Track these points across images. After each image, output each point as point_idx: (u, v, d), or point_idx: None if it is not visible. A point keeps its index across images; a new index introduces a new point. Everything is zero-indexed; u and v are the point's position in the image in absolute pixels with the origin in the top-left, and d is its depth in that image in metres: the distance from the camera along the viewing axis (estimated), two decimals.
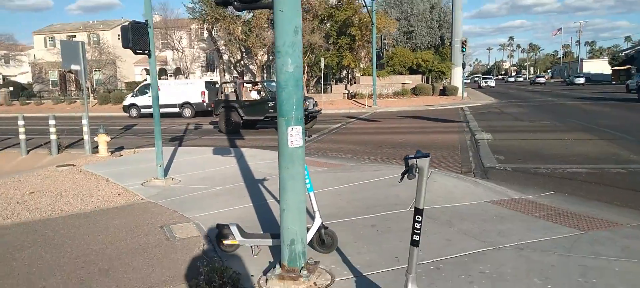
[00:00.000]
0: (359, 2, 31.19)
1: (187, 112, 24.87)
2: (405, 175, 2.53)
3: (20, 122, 12.00)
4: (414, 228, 2.65)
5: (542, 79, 67.01)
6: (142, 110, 25.40)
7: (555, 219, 4.87)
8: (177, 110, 24.70)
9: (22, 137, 12.01)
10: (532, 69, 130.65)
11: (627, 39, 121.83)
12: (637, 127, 12.90)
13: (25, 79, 52.07)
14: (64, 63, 11.24)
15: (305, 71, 32.67)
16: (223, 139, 14.25)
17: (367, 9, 26.54)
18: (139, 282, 3.70)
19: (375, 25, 26.96)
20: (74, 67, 10.98)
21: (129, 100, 26.75)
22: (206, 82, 25.90)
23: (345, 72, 37.51)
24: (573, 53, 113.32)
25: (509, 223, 4.80)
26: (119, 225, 5.29)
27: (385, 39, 30.82)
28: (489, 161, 8.76)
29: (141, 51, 7.23)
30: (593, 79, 65.20)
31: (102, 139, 10.78)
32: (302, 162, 3.50)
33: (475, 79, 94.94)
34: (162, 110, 24.17)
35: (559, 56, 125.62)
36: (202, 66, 42.61)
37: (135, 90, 27.59)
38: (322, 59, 28.49)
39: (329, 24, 33.24)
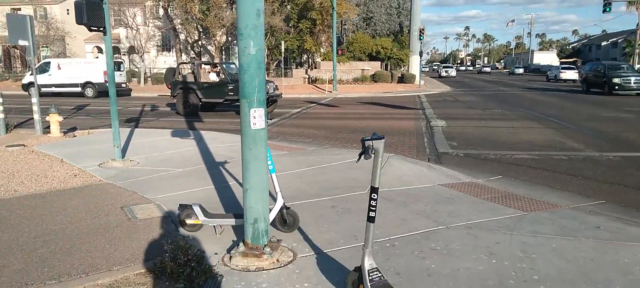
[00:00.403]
0: None
1: (89, 92, 24.71)
2: (362, 156, 2.70)
3: None
4: (370, 205, 2.84)
5: (487, 69, 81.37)
6: (42, 89, 24.06)
7: (501, 201, 5.23)
8: (79, 89, 24.46)
9: None
10: (486, 58, 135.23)
11: (575, 32, 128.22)
12: (579, 117, 13.77)
13: None
14: (11, 38, 10.69)
15: (266, 54, 32.42)
16: (181, 121, 14.05)
17: None
18: (103, 260, 3.72)
19: (335, 10, 27.07)
20: (21, 42, 10.48)
21: (27, 78, 25.22)
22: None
23: (305, 56, 37.51)
24: (525, 44, 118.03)
25: (459, 204, 5.12)
26: (77, 206, 5.22)
27: (345, 24, 31.06)
28: (443, 147, 9.16)
29: (96, 28, 7.03)
30: (543, 70, 68.33)
31: (54, 119, 10.40)
32: (265, 143, 3.61)
33: (435, 67, 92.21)
34: (64, 89, 24.08)
35: (511, 47, 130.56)
36: (157, 45, 41.35)
37: (34, 67, 26.57)
38: (283, 42, 28.36)
39: (289, 7, 33.06)
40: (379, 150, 2.69)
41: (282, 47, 27.20)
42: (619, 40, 62.20)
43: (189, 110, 15.38)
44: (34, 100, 10.83)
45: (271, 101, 15.62)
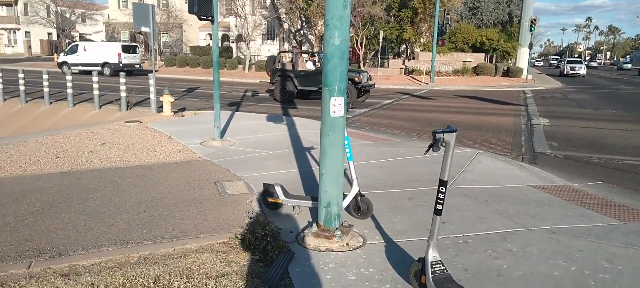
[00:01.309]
0: None
1: (107, 71, 28.90)
2: (431, 148, 2.72)
3: (95, 79, 13.05)
4: (437, 198, 2.85)
5: (594, 63, 76.91)
6: (72, 68, 28.67)
7: (595, 208, 4.84)
8: (99, 68, 27.13)
9: (95, 93, 13.07)
10: (608, 53, 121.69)
11: None
12: None
13: (99, 38, 55.35)
14: (135, 25, 12.01)
15: (363, 44, 32.45)
16: (277, 107, 14.73)
17: None
18: (193, 227, 4.17)
19: None
20: (144, 29, 11.72)
21: (61, 58, 30.88)
22: (123, 45, 30.73)
23: (404, 46, 36.87)
24: None
25: (547, 207, 4.84)
26: (177, 178, 5.83)
27: (448, 14, 29.89)
28: (541, 147, 8.59)
29: (205, 17, 7.67)
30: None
31: (167, 100, 11.54)
32: (343, 131, 3.76)
33: (553, 61, 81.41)
34: (87, 68, 27.19)
35: None
36: (263, 34, 43.37)
37: (66, 49, 32.35)
38: (381, 32, 28.16)
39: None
40: (450, 144, 2.70)
41: (381, 37, 27.04)
42: None
43: (286, 97, 16.04)
44: (151, 82, 12.09)
45: (364, 91, 15.73)
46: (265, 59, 37.42)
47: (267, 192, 4.60)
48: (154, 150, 7.50)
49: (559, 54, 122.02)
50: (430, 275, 2.83)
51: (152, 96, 12.15)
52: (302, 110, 13.71)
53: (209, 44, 48.73)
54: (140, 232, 4.06)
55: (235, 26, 43.16)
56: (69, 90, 13.43)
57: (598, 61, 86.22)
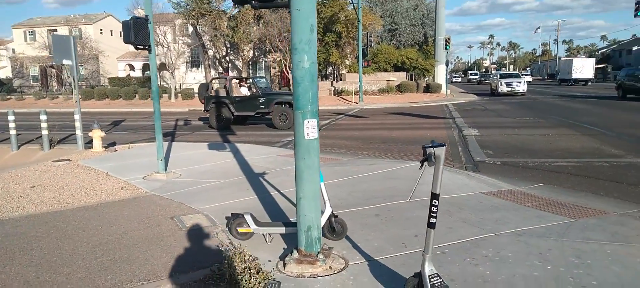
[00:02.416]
0: (345, 0, 31.43)
1: None
2: (425, 163, 2.76)
3: (11, 118, 11.91)
4: (431, 211, 2.89)
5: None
6: None
7: (546, 208, 5.19)
8: None
9: (12, 132, 11.92)
10: (512, 66, 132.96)
11: (603, 38, 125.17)
12: (615, 123, 13.45)
13: (3, 73, 50.91)
14: (56, 58, 11.19)
15: (291, 68, 32.82)
16: (215, 134, 14.35)
17: (353, 6, 26.75)
18: (162, 268, 3.87)
19: (361, 22, 27.23)
20: (65, 61, 10.95)
21: None
22: None
23: (330, 68, 37.74)
24: (551, 51, 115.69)
25: (504, 212, 5.10)
26: (129, 217, 5.43)
27: (371, 36, 31.14)
28: (478, 155, 9.10)
29: (142, 46, 7.34)
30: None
31: (97, 135, 10.80)
32: (317, 153, 3.72)
33: (473, 77, 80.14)
34: None
35: (537, 54, 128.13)
36: (186, 62, 42.33)
37: None
38: None
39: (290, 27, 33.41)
40: (440, 157, 2.75)
41: None
42: None
43: (222, 124, 15.70)
44: (77, 116, 11.26)
45: None
46: (191, 87, 36.52)
47: (236, 222, 4.41)
48: (93, 190, 6.94)
49: (468, 69, 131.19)
50: None
51: (79, 132, 11.31)
52: (243, 136, 13.46)
53: (129, 75, 46.63)
54: (103, 278, 3.69)
55: (157, 55, 41.76)
56: None
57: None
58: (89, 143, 11.38)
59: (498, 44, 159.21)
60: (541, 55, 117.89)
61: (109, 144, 11.94)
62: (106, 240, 4.63)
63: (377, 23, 33.53)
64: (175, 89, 34.28)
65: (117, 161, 9.34)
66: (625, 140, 10.31)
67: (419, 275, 2.98)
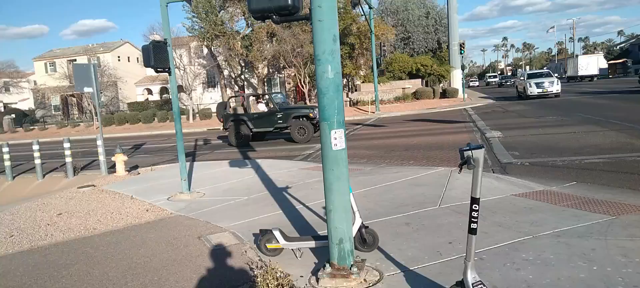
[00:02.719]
0: (356, 12, 31.48)
1: None
2: (464, 166, 2.66)
3: (35, 147, 12.14)
4: (471, 217, 2.78)
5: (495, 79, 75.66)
6: None
7: (583, 207, 4.99)
8: None
9: (37, 161, 12.13)
10: (528, 67, 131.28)
11: (620, 33, 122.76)
12: None
13: (26, 105, 52.28)
14: (77, 86, 11.42)
15: (306, 82, 32.89)
16: (235, 152, 14.38)
17: (366, 17, 26.78)
18: None
19: (373, 33, 27.21)
20: (86, 89, 11.15)
21: None
22: None
23: (345, 80, 37.74)
24: (567, 49, 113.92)
25: (540, 213, 4.92)
26: (156, 239, 5.40)
27: (384, 46, 31.08)
28: (505, 157, 8.89)
29: (162, 69, 7.40)
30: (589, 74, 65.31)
31: (120, 159, 10.91)
32: (346, 164, 3.63)
33: (492, 80, 74.84)
34: None
35: (553, 53, 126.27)
36: (203, 83, 42.86)
37: None
38: None
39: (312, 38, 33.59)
40: (479, 160, 2.65)
41: None
42: None
43: (241, 140, 15.75)
44: (99, 142, 11.41)
45: (319, 126, 15.74)
46: (209, 107, 36.92)
47: (265, 238, 4.34)
48: (118, 213, 6.96)
49: (484, 72, 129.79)
50: None
51: (102, 157, 11.44)
52: (262, 152, 13.46)
53: (147, 99, 47.43)
54: None
55: (169, 79, 42.37)
56: (7, 163, 12.38)
57: (493, 75, 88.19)
58: (111, 168, 11.50)
59: (512, 45, 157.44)
60: (557, 54, 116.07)
61: (132, 168, 12.05)
62: (135, 263, 4.60)
63: (389, 33, 33.51)
64: (193, 110, 34.68)
65: (140, 184, 9.39)
66: None
67: (461, 284, 2.85)
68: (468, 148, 2.67)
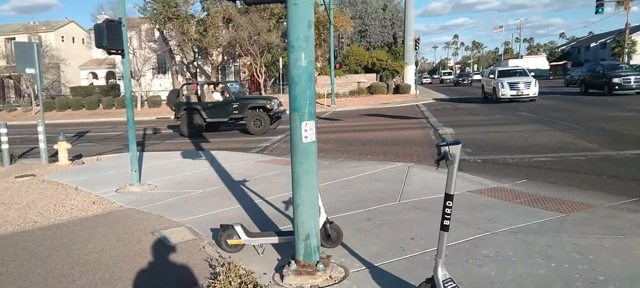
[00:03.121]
0: (316, 1, 31.33)
1: None
2: (441, 161, 2.64)
3: None
4: (444, 213, 2.77)
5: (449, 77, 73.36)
6: None
7: (536, 204, 5.17)
8: None
9: None
10: (476, 66, 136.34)
11: (562, 35, 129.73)
12: (583, 118, 13.83)
13: None
14: (18, 66, 10.60)
15: (263, 71, 32.45)
16: (187, 142, 13.93)
17: (325, 7, 26.67)
18: (149, 287, 3.60)
19: (333, 24, 27.18)
20: (28, 70, 10.39)
21: None
22: None
23: None
24: (513, 50, 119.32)
25: (495, 210, 5.05)
26: (105, 234, 5.09)
27: (342, 38, 31.17)
28: None
29: (115, 51, 6.99)
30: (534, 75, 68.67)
31: (63, 147, 10.26)
32: (315, 157, 3.56)
33: (447, 77, 73.28)
34: None
35: (500, 53, 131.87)
36: (153, 68, 41.25)
37: None
38: (281, 59, 28.40)
39: (286, 23, 33.22)
40: (455, 155, 2.63)
41: (280, 64, 27.24)
42: (608, 41, 62.99)
43: (194, 130, 15.28)
44: (40, 128, 10.67)
45: (276, 118, 15.57)
46: (158, 94, 35.62)
47: (226, 234, 4.18)
48: (62, 206, 6.53)
49: (434, 70, 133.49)
50: None
51: (43, 145, 10.71)
52: (217, 143, 13.12)
53: (92, 83, 45.13)
54: None
55: (122, 62, 40.56)
56: None
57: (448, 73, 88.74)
58: (53, 156, 10.82)
59: (462, 43, 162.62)
60: (503, 54, 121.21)
61: (75, 157, 11.37)
62: (83, 260, 4.30)
63: (348, 24, 33.63)
64: (142, 97, 33.34)
65: (85, 174, 8.88)
66: (596, 133, 10.57)
67: (431, 281, 2.85)
68: (445, 143, 2.66)
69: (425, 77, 79.40)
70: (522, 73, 23.24)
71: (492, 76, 23.54)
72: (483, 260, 3.66)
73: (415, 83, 34.70)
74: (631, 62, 41.48)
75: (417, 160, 8.51)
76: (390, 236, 4.40)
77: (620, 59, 49.17)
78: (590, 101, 19.92)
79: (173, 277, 3.79)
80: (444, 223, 2.77)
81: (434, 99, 28.51)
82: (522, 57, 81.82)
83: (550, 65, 68.63)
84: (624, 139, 9.61)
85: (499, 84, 21.55)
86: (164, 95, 34.81)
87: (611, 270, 3.31)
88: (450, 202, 2.74)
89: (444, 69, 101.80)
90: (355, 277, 3.54)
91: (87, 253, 4.48)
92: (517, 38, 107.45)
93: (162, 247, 4.52)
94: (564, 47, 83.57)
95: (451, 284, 2.77)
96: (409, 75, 36.52)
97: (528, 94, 20.92)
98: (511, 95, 20.97)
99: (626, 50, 51.79)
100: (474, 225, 4.54)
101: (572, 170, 7.13)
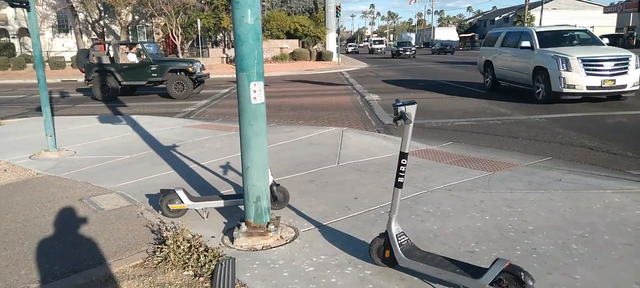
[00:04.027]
0: None
1: None
2: (400, 120, 2.70)
3: None
4: (399, 171, 2.86)
5: (382, 45, 66.70)
6: None
7: (464, 164, 5.54)
8: None
9: None
10: (392, 35, 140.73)
11: (469, 9, 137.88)
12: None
13: None
14: None
15: (179, 33, 30.84)
16: (102, 107, 12.97)
17: None
18: (88, 255, 3.36)
19: None
20: None
21: None
22: None
23: (220, 35, 36.30)
24: (425, 21, 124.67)
25: (429, 170, 5.34)
26: (25, 202, 4.64)
27: (263, 2, 30.42)
28: (386, 119, 9.44)
29: (18, 3, 6.23)
30: (444, 45, 72.13)
31: None
32: (265, 118, 3.48)
33: (377, 46, 64.08)
34: None
35: (413, 24, 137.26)
36: (53, 26, 37.47)
37: None
38: (198, 20, 27.13)
39: None
40: (411, 115, 2.71)
41: (198, 26, 26.04)
42: (510, 15, 68.03)
43: (108, 94, 14.25)
44: None
45: (199, 82, 14.98)
46: (61, 55, 32.52)
47: (167, 198, 4.00)
48: None
49: (352, 38, 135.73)
50: (399, 247, 2.84)
51: None
52: (136, 108, 12.36)
53: None
54: (17, 275, 3.10)
55: (15, 18, 36.42)
56: None
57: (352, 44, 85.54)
58: None
59: (378, 13, 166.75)
60: (417, 25, 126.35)
61: None
62: (4, 230, 3.90)
63: None
64: (43, 58, 30.26)
65: None
66: (506, 100, 11.47)
67: (384, 235, 2.96)
68: (401, 103, 2.72)
69: (351, 46, 76.36)
70: (592, 41, 11.97)
71: (525, 44, 11.65)
72: (425, 216, 3.87)
73: (338, 50, 35.08)
74: None
75: (349, 125, 8.69)
76: (334, 196, 4.49)
77: None
78: None
79: (113, 243, 3.57)
80: (399, 180, 2.88)
81: (354, 67, 28.99)
82: (434, 28, 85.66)
83: (460, 37, 72.76)
84: (533, 105, 10.52)
85: (559, 63, 10.20)
86: (67, 56, 31.93)
87: (538, 220, 3.67)
88: (405, 160, 2.85)
89: (372, 37, 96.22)
90: (306, 236, 3.58)
91: (9, 223, 4.07)
92: (429, 10, 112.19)
93: (95, 215, 4.22)
94: (471, 20, 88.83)
95: (404, 237, 2.91)
96: (331, 42, 36.82)
97: (624, 87, 10.12)
98: (590, 88, 10.03)
99: (525, 24, 56.30)
100: (412, 184, 4.76)
101: (491, 133, 7.71)
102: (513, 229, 3.51)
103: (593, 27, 61.76)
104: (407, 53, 42.98)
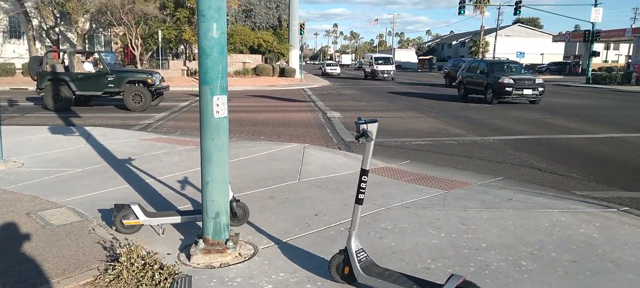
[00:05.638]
0: None
1: None
2: (361, 138, 2.75)
3: None
4: (359, 188, 2.90)
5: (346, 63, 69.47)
6: None
7: (421, 182, 5.68)
8: None
9: None
10: (353, 55, 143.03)
11: (428, 32, 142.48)
12: (449, 107, 15.44)
13: None
14: None
15: (138, 43, 30.16)
16: (54, 117, 12.44)
17: None
18: (34, 273, 3.20)
19: None
20: None
21: None
22: None
23: (182, 47, 35.76)
24: (386, 42, 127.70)
25: (387, 187, 5.44)
26: None
27: (227, 16, 30.29)
28: (347, 136, 9.57)
29: None
30: (404, 67, 74.25)
31: None
32: (227, 133, 3.47)
33: (329, 63, 54.50)
34: None
35: (375, 44, 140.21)
36: (4, 31, 35.74)
37: None
38: (159, 31, 26.65)
39: None
40: (373, 132, 2.77)
41: (159, 37, 25.57)
42: (466, 40, 70.75)
43: (61, 104, 13.68)
44: None
45: (157, 94, 14.66)
46: (11, 61, 31.02)
47: (121, 214, 3.88)
48: None
49: (315, 56, 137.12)
50: (358, 264, 2.87)
51: None
52: (90, 119, 11.93)
53: None
54: None
55: None
56: None
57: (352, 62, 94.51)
58: None
59: (341, 33, 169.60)
60: (378, 46, 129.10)
61: None
62: None
63: (233, 2, 32.74)
64: None
65: None
66: (462, 121, 11.90)
67: (344, 251, 2.98)
68: (363, 121, 2.78)
69: (313, 63, 76.22)
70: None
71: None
72: (383, 232, 3.94)
73: (301, 67, 35.26)
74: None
75: (310, 142, 8.73)
76: (295, 213, 4.49)
77: (476, 57, 55.58)
78: (453, 93, 22.22)
79: (63, 261, 3.41)
80: (359, 196, 2.92)
81: (316, 85, 29.20)
82: (394, 49, 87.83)
83: (419, 59, 74.97)
84: (485, 127, 10.96)
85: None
86: (19, 63, 30.53)
87: (490, 237, 3.80)
88: (366, 177, 2.89)
89: (341, 55, 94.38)
90: (265, 253, 3.55)
91: None
92: (390, 31, 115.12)
93: (43, 230, 4.03)
94: (430, 43, 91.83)
95: (363, 254, 2.94)
96: (294, 59, 37.00)
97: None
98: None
99: (481, 49, 58.75)
100: (371, 201, 4.82)
101: (447, 152, 7.95)
102: (467, 246, 3.62)
103: (543, 54, 65.28)
104: (384, 75, 34.66)
